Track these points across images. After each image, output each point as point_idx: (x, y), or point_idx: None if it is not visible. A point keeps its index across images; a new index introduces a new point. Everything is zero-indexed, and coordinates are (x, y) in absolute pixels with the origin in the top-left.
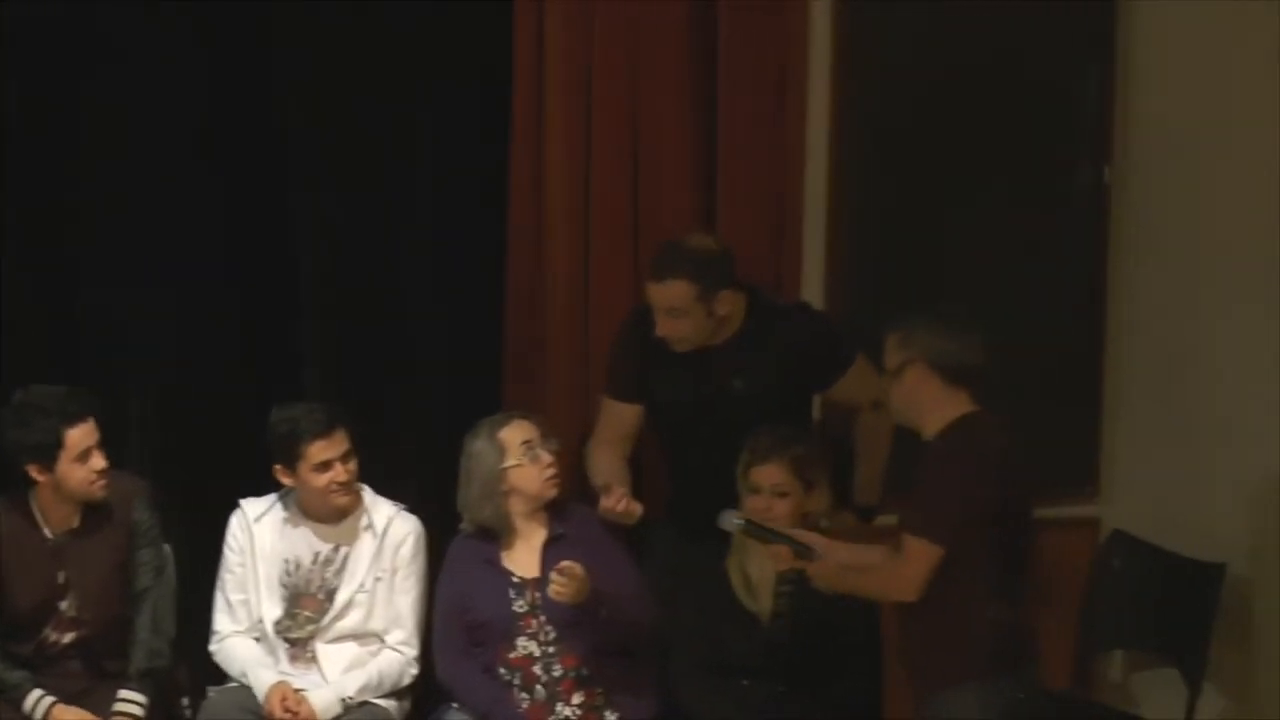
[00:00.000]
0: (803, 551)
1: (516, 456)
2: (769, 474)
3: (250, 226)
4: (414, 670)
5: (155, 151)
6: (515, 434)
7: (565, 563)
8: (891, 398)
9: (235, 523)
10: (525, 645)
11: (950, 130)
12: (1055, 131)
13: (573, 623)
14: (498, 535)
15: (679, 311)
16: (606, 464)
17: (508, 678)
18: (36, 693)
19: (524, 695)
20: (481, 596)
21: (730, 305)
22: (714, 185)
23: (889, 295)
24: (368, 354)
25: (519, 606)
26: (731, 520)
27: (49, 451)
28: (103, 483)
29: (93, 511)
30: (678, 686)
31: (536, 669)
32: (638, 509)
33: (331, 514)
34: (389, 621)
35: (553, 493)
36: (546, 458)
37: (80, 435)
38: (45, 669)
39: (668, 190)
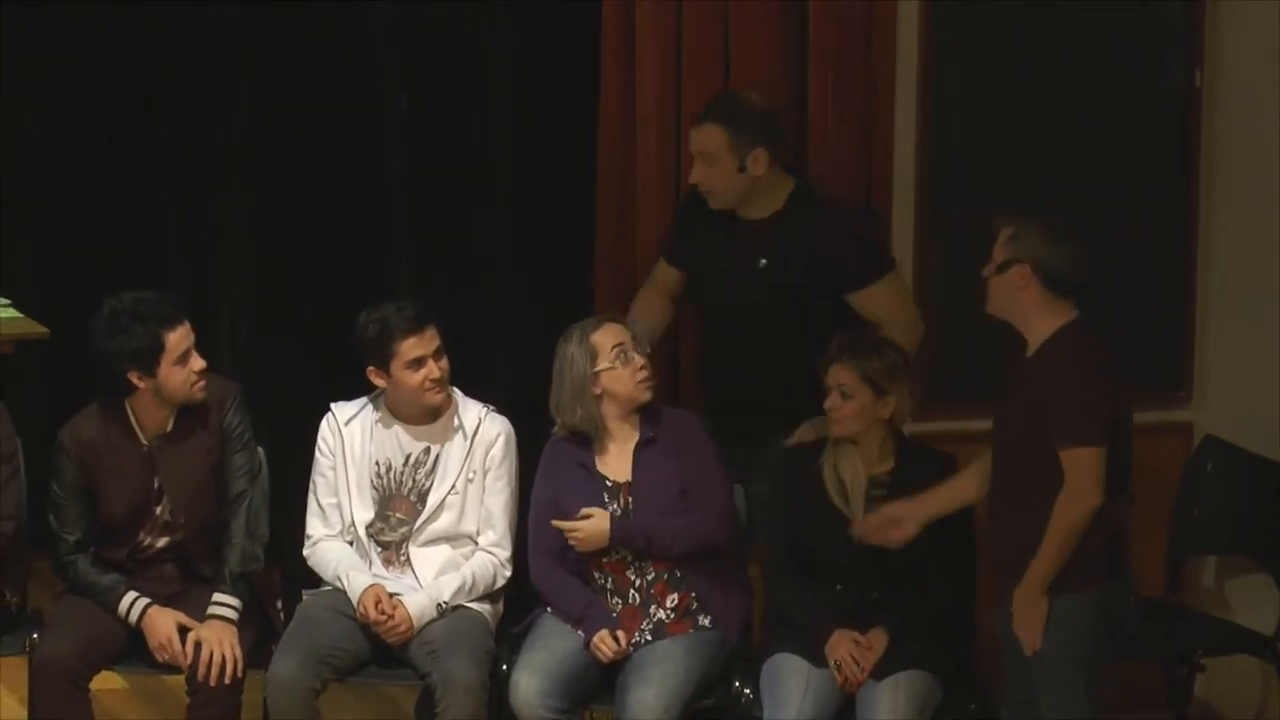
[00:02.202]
0: None
1: (608, 360)
2: (835, 374)
3: (333, 127)
4: (507, 572)
5: (236, 56)
6: (607, 337)
7: (584, 511)
8: (991, 290)
9: (325, 426)
10: (618, 550)
11: (1039, 34)
12: (1146, 35)
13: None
14: (590, 439)
15: (710, 156)
16: (643, 308)
17: (601, 582)
18: (131, 595)
19: (617, 600)
20: (574, 500)
21: (764, 167)
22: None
23: (977, 245)
24: (457, 253)
25: (612, 510)
26: None
27: (150, 356)
28: (202, 383)
29: (186, 415)
30: (770, 589)
31: (630, 573)
32: None
33: (423, 414)
34: (481, 523)
35: (646, 395)
36: (638, 360)
37: (179, 338)
38: (139, 573)
39: None
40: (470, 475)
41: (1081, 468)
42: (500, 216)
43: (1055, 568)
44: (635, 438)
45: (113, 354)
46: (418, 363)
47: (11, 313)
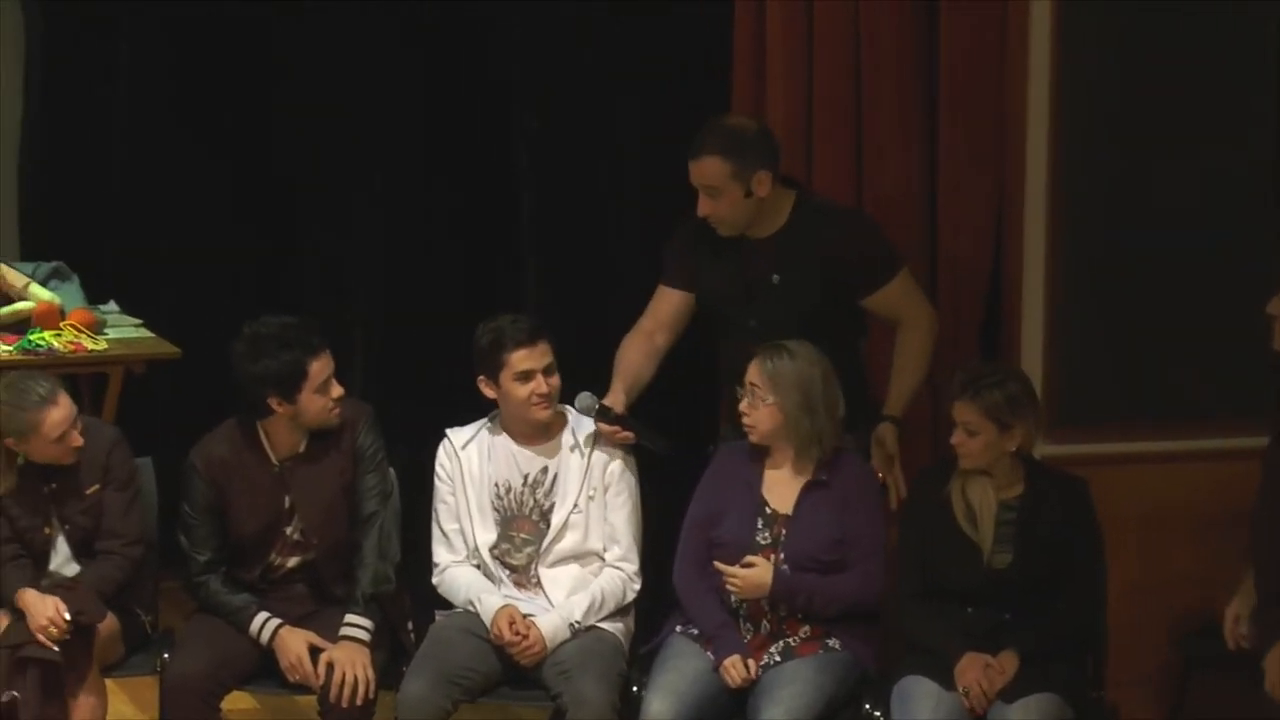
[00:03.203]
0: (656, 444)
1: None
2: (959, 411)
3: (463, 148)
4: (636, 585)
5: (368, 85)
6: (750, 370)
7: (747, 560)
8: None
9: (442, 452)
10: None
11: (1175, 48)
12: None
13: (810, 570)
14: (762, 458)
15: (715, 190)
16: (629, 355)
17: (736, 605)
18: (263, 615)
19: (749, 626)
20: (730, 516)
21: (768, 187)
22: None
23: (1111, 260)
24: (585, 272)
25: (762, 538)
26: (585, 401)
27: (292, 383)
28: (339, 410)
29: (318, 437)
30: (901, 613)
31: (764, 604)
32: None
33: (534, 431)
34: (606, 539)
35: (752, 437)
36: (744, 404)
37: (321, 366)
38: (270, 593)
39: (889, 166)
40: (590, 493)
41: None
42: (629, 234)
43: None
44: (808, 476)
45: (254, 378)
46: (526, 375)
47: (143, 332)
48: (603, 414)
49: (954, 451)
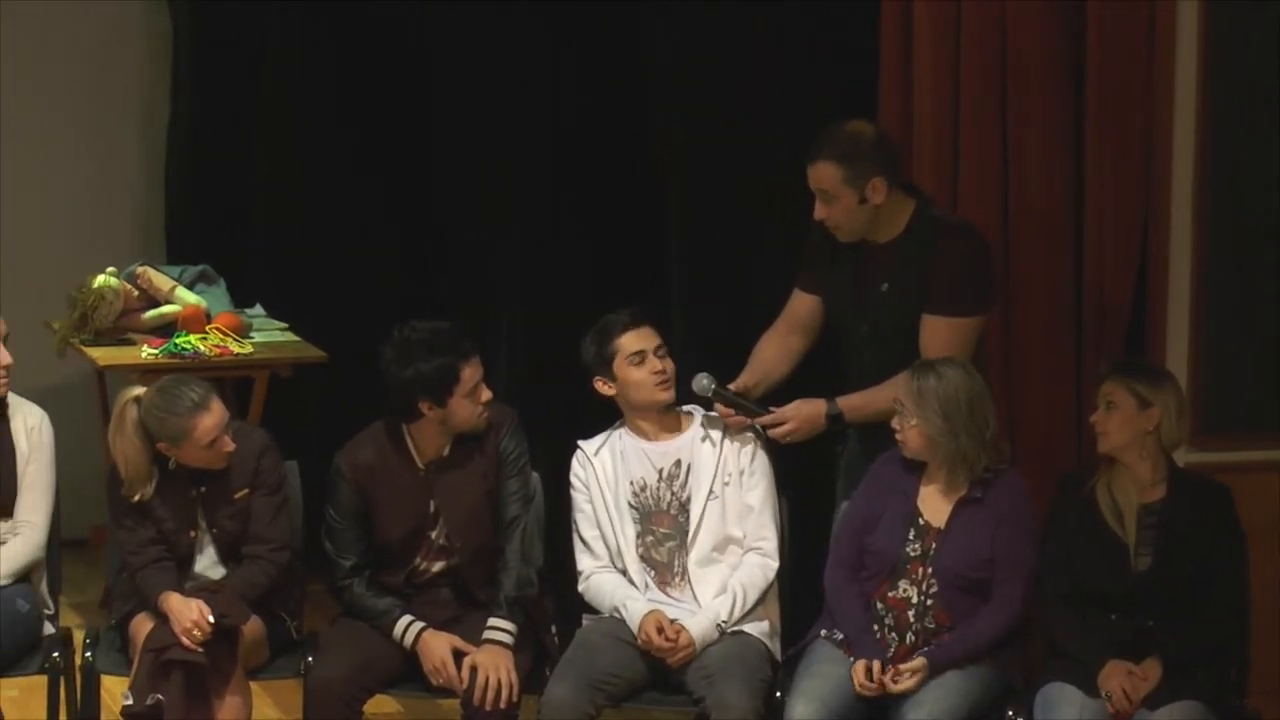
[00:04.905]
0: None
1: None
2: (1102, 388)
3: (606, 154)
4: (774, 564)
5: (514, 88)
6: (900, 388)
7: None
8: None
9: (575, 462)
10: (905, 589)
11: None
12: None
13: (957, 586)
14: (920, 468)
15: (829, 195)
16: (764, 352)
17: (882, 614)
18: (406, 618)
19: (893, 636)
20: (884, 524)
21: (883, 194)
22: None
23: (1254, 268)
24: (735, 279)
25: (912, 549)
26: (702, 382)
27: (444, 388)
28: (487, 414)
29: (462, 441)
30: (1045, 618)
31: (910, 615)
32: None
33: (663, 425)
34: (741, 518)
35: (905, 453)
36: (894, 421)
37: (472, 371)
38: (415, 597)
39: (1035, 172)
40: (726, 479)
41: None
42: (774, 234)
43: None
44: (961, 490)
45: (405, 383)
46: (639, 356)
47: (289, 336)
48: (718, 394)
49: (1095, 454)
